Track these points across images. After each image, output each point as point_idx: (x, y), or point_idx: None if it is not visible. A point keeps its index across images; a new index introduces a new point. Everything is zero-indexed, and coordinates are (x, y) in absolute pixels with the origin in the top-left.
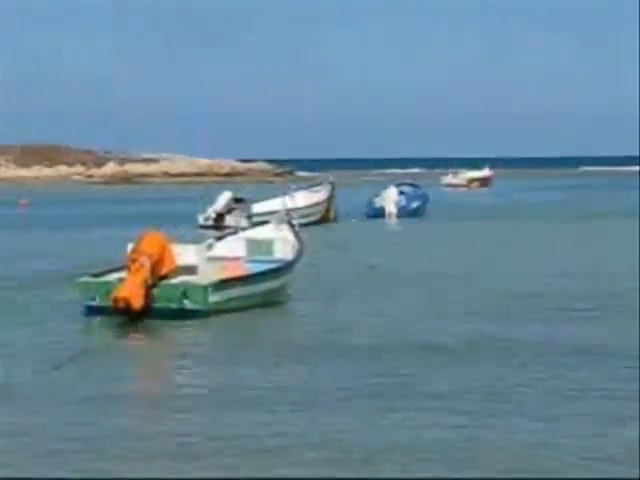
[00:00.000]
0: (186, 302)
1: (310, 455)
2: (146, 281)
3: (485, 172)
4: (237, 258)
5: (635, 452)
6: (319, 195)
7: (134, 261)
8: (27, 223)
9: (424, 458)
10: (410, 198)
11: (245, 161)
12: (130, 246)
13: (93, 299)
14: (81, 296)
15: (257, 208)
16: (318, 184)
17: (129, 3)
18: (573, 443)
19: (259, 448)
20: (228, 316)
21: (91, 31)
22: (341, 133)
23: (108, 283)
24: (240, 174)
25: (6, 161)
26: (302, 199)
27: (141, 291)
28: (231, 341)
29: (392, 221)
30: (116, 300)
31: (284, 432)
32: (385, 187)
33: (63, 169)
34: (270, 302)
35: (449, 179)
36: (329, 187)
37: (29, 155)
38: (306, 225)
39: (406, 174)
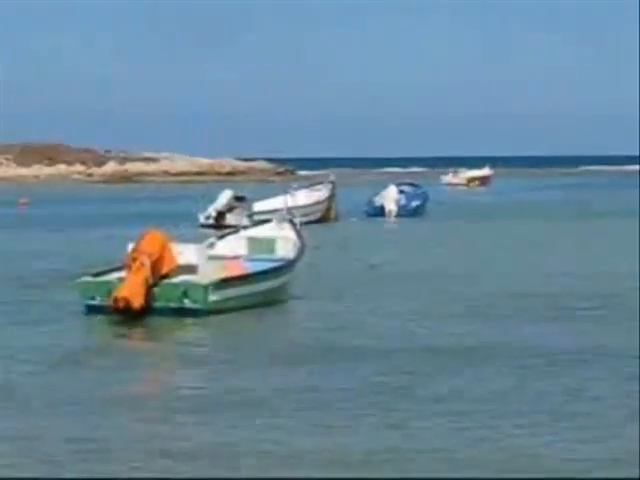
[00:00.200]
0: (186, 301)
1: (311, 458)
2: (147, 280)
3: (485, 171)
4: (238, 257)
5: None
6: (320, 194)
7: (134, 260)
8: (27, 222)
9: (424, 460)
10: (410, 197)
11: (246, 160)
12: (130, 245)
13: (93, 299)
14: (81, 296)
15: (258, 207)
16: (319, 183)
17: (129, 3)
18: (573, 446)
19: (258, 450)
20: (228, 315)
21: (91, 31)
22: (341, 133)
23: (108, 283)
24: (241, 173)
25: (6, 160)
26: (303, 198)
27: (141, 290)
28: (230, 341)
29: (392, 220)
30: (116, 300)
31: (284, 433)
32: (385, 186)
33: (63, 168)
34: (271, 301)
35: (449, 178)
36: (330, 186)
37: (29, 154)
38: (307, 224)
39: (406, 173)
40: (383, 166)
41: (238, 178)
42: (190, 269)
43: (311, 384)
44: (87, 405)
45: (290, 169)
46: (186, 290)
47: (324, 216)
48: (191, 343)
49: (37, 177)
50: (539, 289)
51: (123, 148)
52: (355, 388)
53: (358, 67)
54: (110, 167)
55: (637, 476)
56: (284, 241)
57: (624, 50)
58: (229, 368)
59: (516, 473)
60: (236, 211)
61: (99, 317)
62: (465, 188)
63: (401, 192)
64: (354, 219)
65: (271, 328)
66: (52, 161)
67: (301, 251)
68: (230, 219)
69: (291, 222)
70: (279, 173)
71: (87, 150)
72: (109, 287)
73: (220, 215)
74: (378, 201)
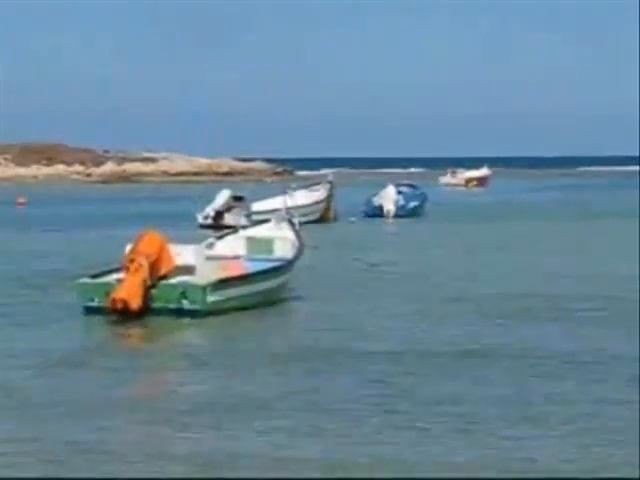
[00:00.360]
0: (185, 302)
1: (310, 462)
2: (145, 281)
3: (483, 172)
4: (237, 257)
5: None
6: (318, 194)
7: (132, 261)
8: (25, 222)
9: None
10: (408, 197)
11: (244, 160)
12: (128, 246)
13: (92, 300)
14: (80, 297)
15: (256, 207)
16: (317, 183)
17: (129, 3)
18: (573, 448)
19: (255, 454)
20: (227, 316)
21: (91, 31)
22: (340, 133)
23: (107, 284)
24: (239, 173)
25: (5, 160)
26: (301, 198)
27: (139, 292)
28: (229, 343)
29: (390, 220)
30: (114, 301)
31: (282, 436)
32: (383, 186)
33: (61, 168)
34: (270, 301)
35: (447, 179)
36: (328, 186)
37: (28, 154)
38: (305, 224)
39: (405, 174)
40: (382, 166)
41: (236, 178)
42: (188, 270)
43: (310, 386)
44: (86, 406)
45: (288, 169)
46: (184, 291)
47: (323, 216)
48: (189, 345)
49: (36, 177)
50: (538, 290)
51: (122, 148)
52: (356, 390)
53: (358, 67)
54: (109, 167)
55: (637, 476)
56: (283, 241)
57: (624, 50)
58: (228, 370)
59: (516, 474)
60: (234, 211)
61: (97, 318)
62: (463, 189)
63: (399, 193)
64: (353, 219)
65: (270, 329)
66: (51, 161)
67: (300, 251)
68: (228, 219)
69: (290, 222)
70: (277, 173)
71: (86, 150)
72: (107, 288)
73: (218, 215)
74: (377, 201)
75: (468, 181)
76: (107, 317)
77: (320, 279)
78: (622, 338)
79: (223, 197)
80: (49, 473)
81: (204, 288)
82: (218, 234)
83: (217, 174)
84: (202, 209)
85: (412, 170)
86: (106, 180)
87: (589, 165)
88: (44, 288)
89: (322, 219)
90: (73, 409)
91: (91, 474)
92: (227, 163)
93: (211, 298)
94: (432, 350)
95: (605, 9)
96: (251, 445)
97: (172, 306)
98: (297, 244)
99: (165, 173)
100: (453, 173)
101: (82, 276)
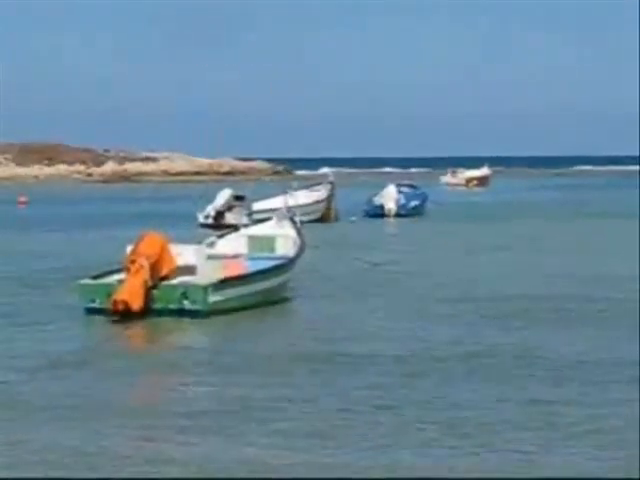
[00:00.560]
0: (186, 303)
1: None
2: (146, 282)
3: (483, 171)
4: (238, 256)
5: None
6: (319, 194)
7: (133, 262)
8: (26, 222)
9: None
10: (409, 197)
11: (244, 160)
12: (129, 247)
13: (93, 301)
14: (81, 298)
15: (257, 206)
16: (318, 184)
17: (129, 3)
18: (573, 450)
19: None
20: (228, 316)
21: (91, 31)
22: (341, 133)
23: (108, 285)
24: (240, 173)
25: (5, 159)
26: (302, 197)
27: (141, 293)
28: (230, 345)
29: (391, 219)
30: (115, 303)
31: (282, 439)
32: (384, 186)
33: (62, 168)
34: (271, 300)
35: (448, 178)
36: (329, 186)
37: (28, 153)
38: (306, 223)
39: (405, 173)
40: (382, 166)
41: (237, 178)
42: (189, 270)
43: (311, 388)
44: (86, 408)
45: (289, 169)
46: (185, 291)
47: (324, 215)
48: (190, 346)
49: (36, 177)
50: (539, 291)
51: (122, 148)
52: (357, 392)
53: (358, 67)
54: (109, 167)
55: (637, 476)
56: (284, 239)
57: (624, 50)
58: (229, 373)
59: (516, 474)
60: (235, 210)
61: (99, 319)
62: (464, 188)
63: (400, 192)
64: (353, 218)
65: (271, 330)
66: (51, 161)
67: (301, 249)
68: (229, 218)
69: (291, 220)
70: (278, 173)
71: (86, 150)
72: (108, 290)
73: (219, 214)
74: (377, 200)
75: (468, 181)
76: (108, 318)
77: (321, 278)
78: (622, 339)
79: (224, 196)
80: (47, 473)
81: (205, 288)
82: (219, 233)
83: (218, 174)
84: (203, 209)
85: (412, 170)
86: (107, 180)
87: (588, 164)
88: (45, 288)
89: (323, 219)
90: (72, 412)
91: (91, 474)
92: (228, 163)
93: (212, 298)
94: (432, 350)
95: (605, 9)
96: (251, 448)
97: (173, 307)
98: (298, 242)
99: (166, 173)
100: (453, 173)
101: (83, 277)
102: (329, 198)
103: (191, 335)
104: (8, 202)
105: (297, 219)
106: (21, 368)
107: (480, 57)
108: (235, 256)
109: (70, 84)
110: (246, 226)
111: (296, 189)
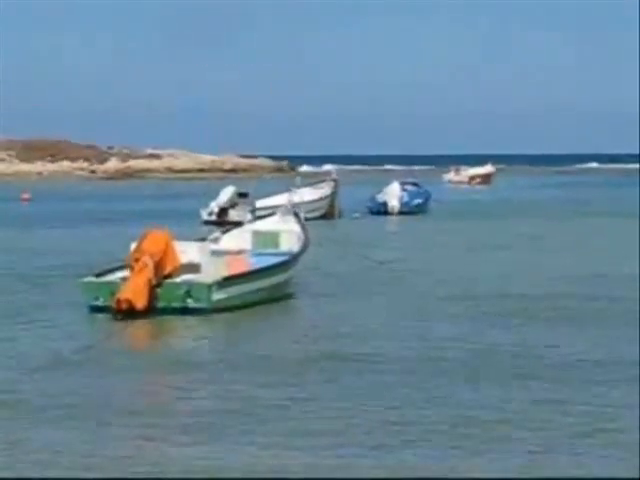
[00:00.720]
0: (190, 301)
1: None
2: (149, 281)
3: (487, 169)
4: (242, 251)
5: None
6: (322, 191)
7: (137, 260)
8: (29, 218)
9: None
10: (412, 195)
11: (247, 157)
12: (133, 245)
13: (96, 299)
14: (84, 296)
15: (261, 203)
16: (322, 181)
17: (129, 3)
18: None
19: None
20: (232, 314)
21: (91, 31)
22: (341, 133)
23: (111, 283)
24: (243, 170)
25: (9, 156)
26: (306, 194)
27: (144, 291)
28: (234, 344)
29: (394, 216)
30: (119, 302)
31: (282, 439)
32: (387, 183)
33: (66, 164)
34: (275, 297)
35: (451, 176)
36: (332, 184)
37: (32, 150)
38: (310, 220)
39: (408, 171)
40: (385, 164)
41: (240, 175)
42: (193, 267)
43: (312, 388)
44: (86, 407)
45: (292, 166)
46: (189, 289)
47: (327, 212)
48: (194, 345)
49: (40, 174)
50: (540, 290)
51: (126, 145)
52: (359, 392)
53: (358, 67)
54: (113, 164)
55: (637, 476)
56: (289, 234)
57: (624, 50)
58: (232, 372)
59: (517, 474)
60: (239, 207)
61: (102, 317)
62: (467, 186)
63: (403, 190)
64: (356, 214)
65: (275, 328)
66: (55, 158)
67: (305, 244)
68: (233, 215)
69: (295, 215)
70: (281, 170)
71: (90, 147)
72: (112, 288)
73: (223, 211)
74: (381, 197)
75: (472, 178)
76: (112, 316)
77: (324, 276)
78: (622, 339)
79: (227, 193)
80: (46, 473)
81: (209, 286)
82: (224, 228)
83: (221, 171)
84: (206, 205)
85: (415, 168)
86: (110, 177)
87: (590, 162)
88: (48, 285)
89: (326, 216)
90: (73, 411)
91: (91, 474)
92: (231, 160)
93: (216, 296)
94: (433, 349)
95: (605, 9)
96: (252, 447)
97: (177, 305)
98: (302, 237)
99: (169, 170)
100: (457, 171)
101: (86, 274)
102: (332, 195)
103: (195, 333)
104: (11, 199)
105: (301, 214)
106: (23, 366)
107: (480, 57)
108: (239, 252)
109: (70, 84)
110: (250, 221)
111: (299, 186)
